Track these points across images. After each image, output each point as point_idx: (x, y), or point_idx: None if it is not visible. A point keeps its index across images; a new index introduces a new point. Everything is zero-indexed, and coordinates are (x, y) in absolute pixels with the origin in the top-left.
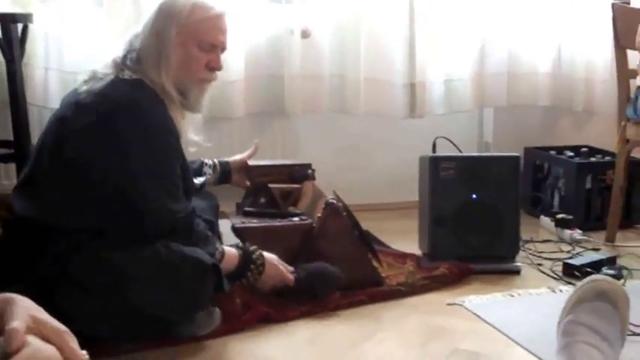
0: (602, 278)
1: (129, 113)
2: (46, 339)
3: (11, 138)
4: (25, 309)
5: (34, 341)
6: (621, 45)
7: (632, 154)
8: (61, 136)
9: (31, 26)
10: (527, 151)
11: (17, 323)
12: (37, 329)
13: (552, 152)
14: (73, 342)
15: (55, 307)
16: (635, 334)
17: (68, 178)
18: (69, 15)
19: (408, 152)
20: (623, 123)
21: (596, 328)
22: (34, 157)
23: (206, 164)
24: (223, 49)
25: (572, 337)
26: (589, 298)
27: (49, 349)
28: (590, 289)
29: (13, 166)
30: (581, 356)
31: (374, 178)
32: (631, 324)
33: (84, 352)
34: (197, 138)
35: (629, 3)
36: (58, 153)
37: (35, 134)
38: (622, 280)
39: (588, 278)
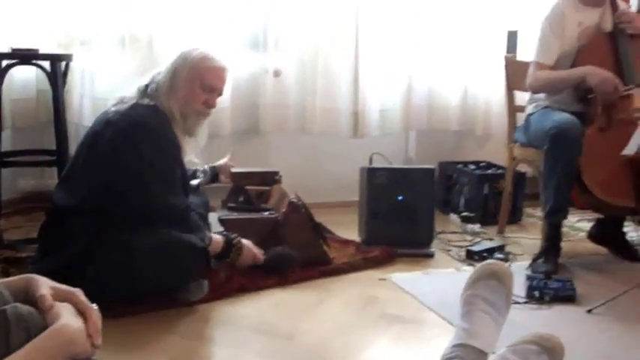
0: (493, 262)
1: (143, 130)
2: (62, 299)
3: (54, 147)
4: (44, 281)
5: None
6: (510, 87)
7: (518, 168)
8: (93, 145)
9: (71, 63)
10: (441, 164)
11: (43, 290)
12: (55, 294)
13: (459, 165)
14: (82, 296)
15: (82, 275)
16: (516, 302)
17: (96, 178)
18: (99, 55)
19: (351, 164)
20: (511, 145)
21: (489, 299)
22: (72, 162)
23: (199, 170)
24: (220, 93)
25: (472, 306)
26: (484, 277)
27: (69, 307)
28: (485, 270)
29: (55, 170)
30: (478, 320)
31: (325, 183)
32: (514, 295)
33: (94, 305)
34: (197, 160)
35: (515, 56)
36: (89, 158)
37: (72, 146)
38: (508, 262)
39: (483, 262)
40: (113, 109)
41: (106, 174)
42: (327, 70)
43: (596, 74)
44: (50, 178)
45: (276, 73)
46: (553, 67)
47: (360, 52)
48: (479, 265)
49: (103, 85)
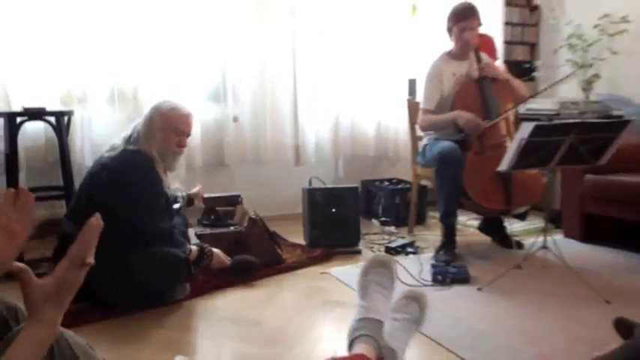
0: (379, 254)
1: (131, 171)
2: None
3: (62, 184)
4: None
5: None
6: (412, 122)
7: (421, 183)
8: (92, 185)
9: (72, 117)
10: (363, 182)
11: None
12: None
13: (377, 182)
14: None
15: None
16: (424, 284)
17: (94, 209)
18: (94, 109)
19: (295, 185)
20: (414, 166)
21: (379, 282)
22: (76, 196)
23: (179, 196)
24: (188, 134)
25: (367, 289)
26: (373, 266)
27: None
28: (374, 261)
29: (63, 202)
30: (373, 298)
31: (276, 201)
32: (422, 279)
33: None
34: (179, 185)
35: (414, 98)
36: (90, 195)
37: (77, 181)
38: (418, 254)
39: (372, 255)
40: (106, 154)
41: (104, 207)
42: (273, 114)
43: (462, 117)
44: (59, 208)
45: (235, 119)
46: (435, 111)
47: (297, 98)
48: (369, 257)
49: (99, 132)
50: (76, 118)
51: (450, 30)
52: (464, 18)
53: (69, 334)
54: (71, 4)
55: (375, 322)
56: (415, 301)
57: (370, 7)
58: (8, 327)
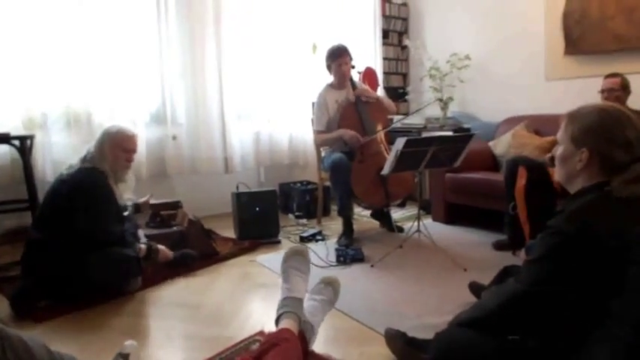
0: (297, 245)
1: (87, 186)
2: None
3: (27, 197)
4: None
5: None
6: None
7: (325, 184)
8: (53, 199)
9: (34, 140)
10: (281, 185)
11: None
12: None
13: (292, 184)
14: None
15: (56, 281)
16: (330, 265)
17: (57, 219)
18: (54, 132)
19: (226, 190)
20: (319, 171)
21: (297, 267)
22: (41, 208)
23: (128, 205)
24: (135, 151)
25: (288, 273)
26: (292, 254)
27: None
28: (292, 250)
29: (29, 213)
30: (293, 281)
31: (211, 202)
32: (328, 260)
33: None
34: (130, 195)
35: None
36: (52, 208)
37: (40, 195)
38: (325, 241)
39: (290, 247)
40: (65, 172)
41: (64, 217)
42: (205, 132)
43: (346, 134)
44: (26, 218)
45: (174, 137)
46: (325, 130)
47: (225, 119)
48: (288, 248)
49: (59, 153)
50: (37, 141)
51: (329, 67)
52: (339, 56)
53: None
54: (29, 37)
55: (297, 300)
56: (330, 285)
57: (281, 45)
58: None
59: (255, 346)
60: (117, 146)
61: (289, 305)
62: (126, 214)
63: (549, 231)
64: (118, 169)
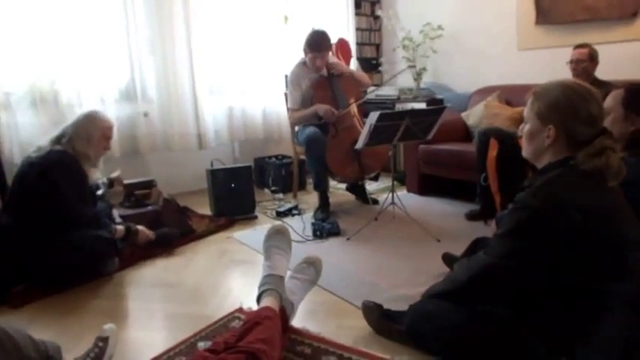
0: (277, 224)
1: (59, 168)
2: None
3: None
4: None
5: None
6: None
7: (301, 157)
8: (22, 183)
9: (2, 121)
10: (256, 160)
11: None
12: None
13: (267, 159)
14: None
15: (30, 266)
16: (307, 239)
17: (28, 203)
18: (20, 114)
19: (200, 166)
20: (294, 145)
21: (279, 245)
22: (10, 193)
23: (100, 182)
24: (111, 138)
25: (270, 252)
26: (273, 233)
27: None
28: (273, 229)
29: None
30: (275, 259)
31: (185, 180)
32: (305, 235)
33: None
34: (99, 175)
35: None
36: (21, 192)
37: (9, 177)
38: (301, 215)
39: (272, 225)
40: (34, 155)
41: (35, 201)
42: (178, 108)
43: (320, 108)
44: None
45: (145, 114)
46: (299, 108)
47: (197, 94)
48: (269, 227)
49: (26, 134)
50: (2, 122)
51: (305, 52)
52: (317, 50)
53: None
54: None
55: (278, 277)
56: (312, 265)
57: (251, 16)
58: None
59: (235, 323)
60: (102, 134)
61: (271, 283)
62: (100, 192)
63: (516, 206)
64: (98, 155)
